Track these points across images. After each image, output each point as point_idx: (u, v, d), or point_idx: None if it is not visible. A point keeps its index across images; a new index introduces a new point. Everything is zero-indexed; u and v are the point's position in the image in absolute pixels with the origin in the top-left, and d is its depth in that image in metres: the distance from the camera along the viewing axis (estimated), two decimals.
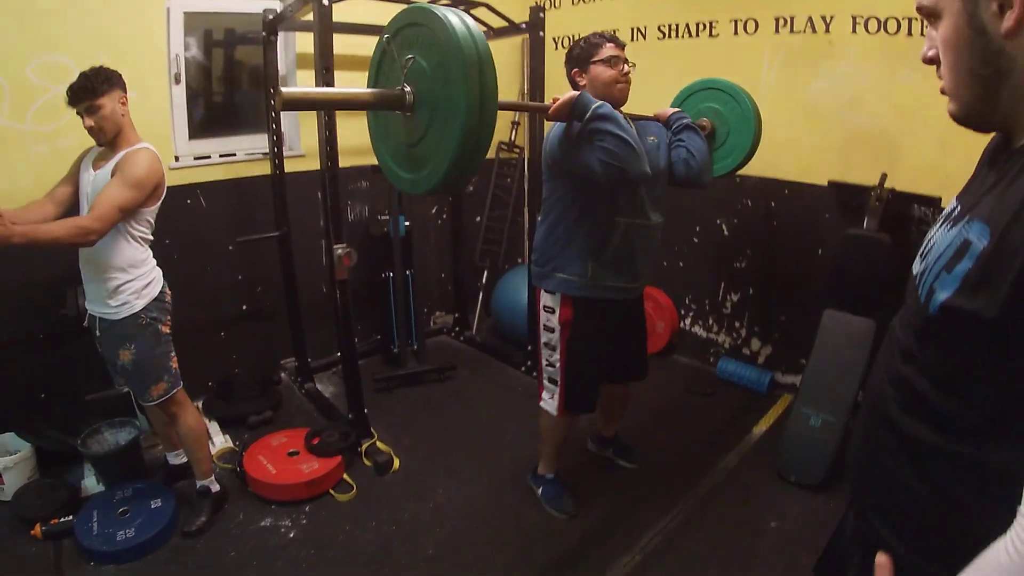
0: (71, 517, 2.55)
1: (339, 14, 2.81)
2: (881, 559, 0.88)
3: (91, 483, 2.81)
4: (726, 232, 4.02)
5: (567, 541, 2.65)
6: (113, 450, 2.81)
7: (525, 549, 2.60)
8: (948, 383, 0.84)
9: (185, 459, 2.78)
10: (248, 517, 2.72)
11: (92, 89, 2.16)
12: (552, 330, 2.57)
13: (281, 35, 3.43)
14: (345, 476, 2.96)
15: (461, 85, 1.26)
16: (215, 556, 2.51)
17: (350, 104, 1.71)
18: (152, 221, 2.40)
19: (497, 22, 3.66)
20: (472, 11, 3.51)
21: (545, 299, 2.57)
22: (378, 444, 3.18)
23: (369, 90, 1.49)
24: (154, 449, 3.06)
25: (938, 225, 0.95)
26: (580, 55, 2.40)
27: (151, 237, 2.42)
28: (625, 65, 2.39)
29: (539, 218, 2.60)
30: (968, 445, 0.82)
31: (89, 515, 2.55)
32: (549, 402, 2.67)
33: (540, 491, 2.88)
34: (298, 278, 3.65)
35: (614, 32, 2.56)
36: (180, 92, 3.29)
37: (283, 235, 3.53)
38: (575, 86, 2.41)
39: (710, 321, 4.26)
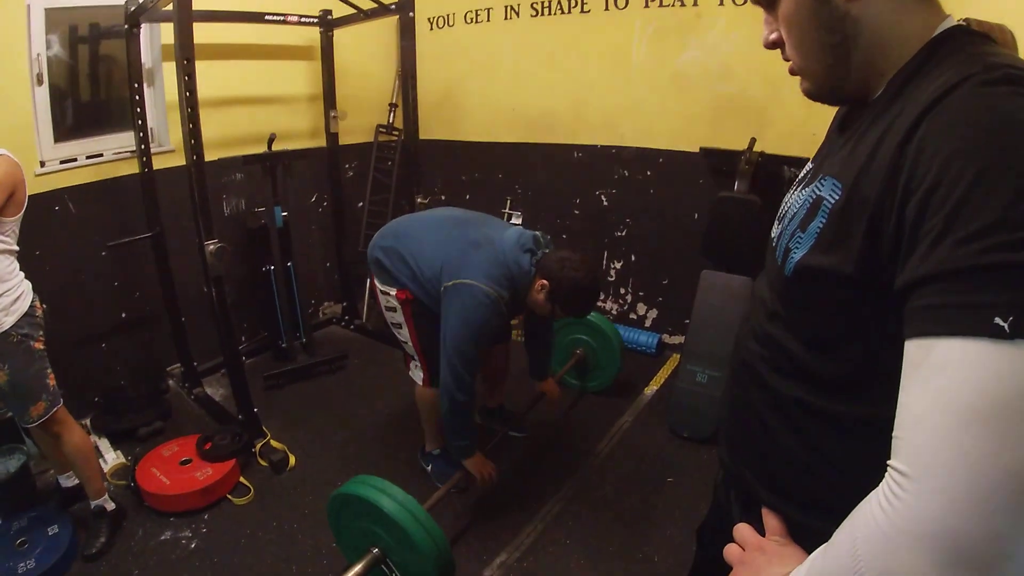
0: None
1: (200, 2, 2.67)
2: (771, 520, 0.92)
3: None
4: (605, 202, 4.14)
5: (468, 516, 2.70)
6: (3, 479, 2.64)
7: None
8: (813, 340, 0.85)
9: (77, 480, 2.65)
10: (148, 532, 2.64)
11: None
12: (394, 309, 2.61)
13: (145, 27, 3.25)
14: (242, 479, 2.90)
15: None
16: None
17: None
18: (16, 231, 2.23)
19: (367, 4, 3.59)
20: None
21: (377, 283, 2.64)
22: (272, 443, 3.13)
23: None
24: (46, 474, 2.90)
25: (793, 188, 0.97)
26: (565, 293, 2.38)
27: (16, 248, 2.25)
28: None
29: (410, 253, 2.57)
30: (837, 400, 0.83)
31: None
32: (416, 372, 2.73)
33: (429, 468, 2.92)
34: (176, 279, 3.50)
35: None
36: (43, 93, 3.05)
37: (156, 235, 3.38)
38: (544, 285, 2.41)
39: None
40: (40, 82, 3.02)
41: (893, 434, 0.62)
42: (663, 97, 3.71)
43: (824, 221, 0.79)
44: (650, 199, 3.96)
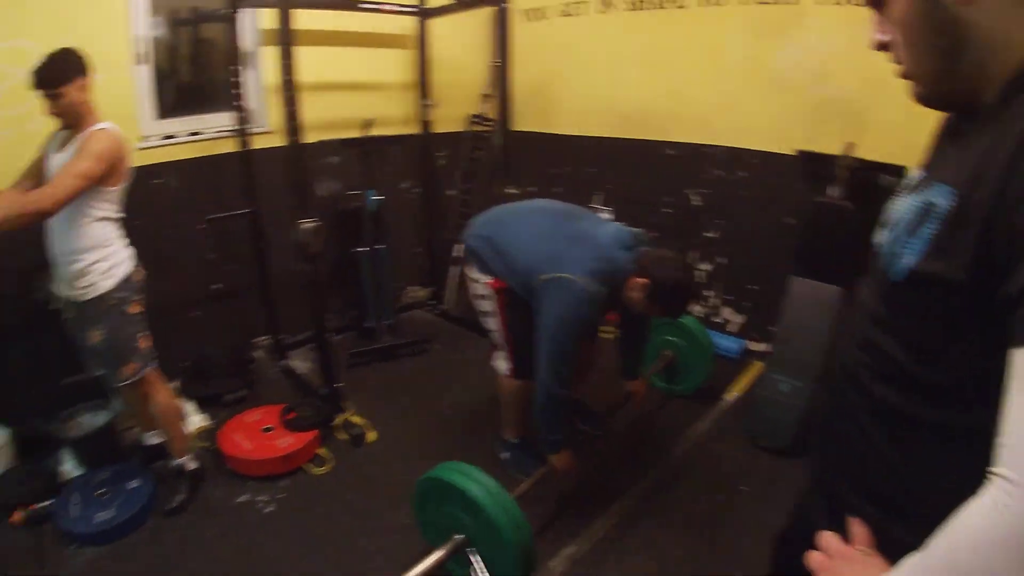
0: (50, 502, 2.54)
1: None
2: (858, 528, 0.88)
3: (70, 467, 2.79)
4: (696, 202, 4.05)
5: (540, 507, 2.68)
6: (90, 433, 2.80)
7: None
8: (919, 348, 0.84)
9: (161, 439, 2.79)
10: (226, 493, 2.75)
11: (52, 80, 2.12)
12: (485, 297, 2.61)
13: (247, 11, 3.39)
14: (321, 450, 2.99)
15: None
16: (194, 533, 2.54)
17: None
18: (119, 200, 2.35)
19: None
20: None
21: (470, 271, 2.64)
22: (353, 417, 3.20)
23: None
24: (131, 431, 3.04)
25: (901, 194, 0.95)
26: (665, 292, 2.33)
27: (119, 216, 2.38)
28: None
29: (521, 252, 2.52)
30: (940, 410, 0.82)
31: (68, 499, 2.56)
32: (501, 363, 2.72)
33: (506, 456, 2.93)
34: (270, 255, 3.64)
35: None
36: (145, 72, 3.23)
37: (253, 212, 3.52)
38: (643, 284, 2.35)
39: None
40: (142, 61, 3.19)
41: (997, 441, 0.62)
42: (759, 96, 3.60)
43: (935, 227, 0.78)
44: (742, 201, 3.84)
